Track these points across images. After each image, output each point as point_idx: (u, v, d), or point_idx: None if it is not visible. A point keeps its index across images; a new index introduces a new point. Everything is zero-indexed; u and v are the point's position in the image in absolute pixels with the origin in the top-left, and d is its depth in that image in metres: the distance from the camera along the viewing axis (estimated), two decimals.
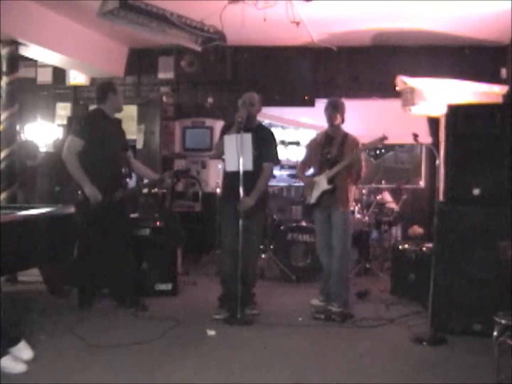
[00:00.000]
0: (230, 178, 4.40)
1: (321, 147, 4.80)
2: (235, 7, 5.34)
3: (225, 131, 4.51)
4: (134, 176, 5.29)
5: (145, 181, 5.17)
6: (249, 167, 4.26)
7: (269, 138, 4.58)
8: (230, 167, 4.35)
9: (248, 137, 4.25)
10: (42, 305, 4.71)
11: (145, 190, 5.66)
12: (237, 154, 4.24)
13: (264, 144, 4.46)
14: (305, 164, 5.04)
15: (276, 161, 4.64)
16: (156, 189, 6.01)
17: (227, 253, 4.45)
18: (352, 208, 6.02)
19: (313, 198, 4.77)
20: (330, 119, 4.74)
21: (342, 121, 4.77)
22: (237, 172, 4.25)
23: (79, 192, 4.36)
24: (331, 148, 4.72)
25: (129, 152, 4.82)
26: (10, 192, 5.85)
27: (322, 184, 4.68)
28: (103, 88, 4.64)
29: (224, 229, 4.52)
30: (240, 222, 4.26)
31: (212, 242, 6.45)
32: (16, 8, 5.47)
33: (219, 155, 4.55)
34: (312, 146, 4.97)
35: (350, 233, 4.82)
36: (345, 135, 4.76)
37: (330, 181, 4.63)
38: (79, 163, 4.36)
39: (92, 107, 7.80)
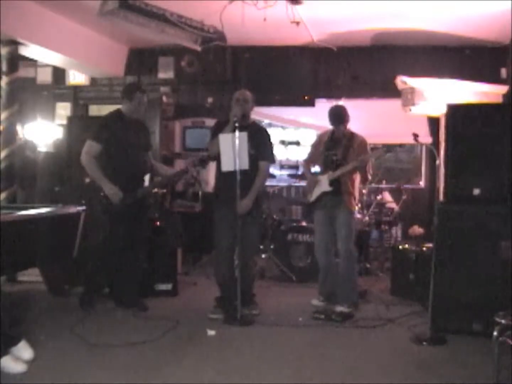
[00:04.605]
0: (226, 178, 4.29)
1: (326, 147, 4.78)
2: (235, 7, 5.34)
3: (217, 129, 4.41)
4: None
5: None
6: (245, 166, 4.20)
7: (265, 136, 4.52)
8: (226, 167, 4.26)
9: (244, 136, 4.18)
10: (42, 305, 4.72)
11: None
12: (234, 154, 4.16)
13: (260, 143, 4.40)
14: (309, 161, 5.04)
15: (272, 160, 4.57)
16: (156, 189, 6.00)
17: (224, 256, 4.40)
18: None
19: (313, 196, 4.78)
20: (337, 129, 4.74)
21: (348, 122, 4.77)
22: (233, 172, 4.16)
23: (102, 193, 4.37)
24: (337, 149, 4.70)
25: (150, 152, 4.77)
26: (10, 192, 5.84)
27: (324, 184, 4.68)
28: (130, 87, 4.65)
29: (220, 231, 4.43)
30: (239, 224, 4.22)
31: (212, 242, 6.43)
32: (16, 8, 5.45)
33: (213, 155, 4.41)
34: (318, 145, 4.93)
35: (354, 233, 4.80)
36: (351, 136, 4.72)
37: (332, 183, 4.62)
38: (98, 165, 4.38)
39: (92, 107, 7.90)
